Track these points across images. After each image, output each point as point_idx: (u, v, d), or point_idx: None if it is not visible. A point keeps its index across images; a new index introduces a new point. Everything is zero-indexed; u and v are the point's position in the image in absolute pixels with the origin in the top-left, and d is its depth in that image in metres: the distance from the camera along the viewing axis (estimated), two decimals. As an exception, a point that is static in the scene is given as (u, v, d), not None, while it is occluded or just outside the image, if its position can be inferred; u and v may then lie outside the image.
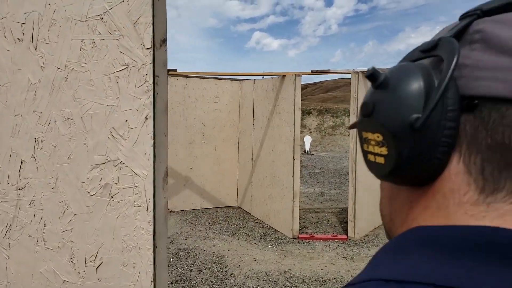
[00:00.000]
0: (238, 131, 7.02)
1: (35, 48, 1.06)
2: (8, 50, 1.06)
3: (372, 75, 0.35)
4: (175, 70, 5.94)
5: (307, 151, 16.83)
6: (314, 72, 6.00)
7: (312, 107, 24.31)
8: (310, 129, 21.71)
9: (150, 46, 1.03)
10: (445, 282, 0.27)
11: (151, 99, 1.04)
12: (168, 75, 6.17)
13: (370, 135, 0.36)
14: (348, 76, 5.68)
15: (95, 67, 1.05)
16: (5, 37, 1.06)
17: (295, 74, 6.03)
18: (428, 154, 0.32)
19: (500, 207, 0.30)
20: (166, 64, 1.13)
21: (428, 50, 0.35)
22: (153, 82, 1.04)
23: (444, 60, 0.32)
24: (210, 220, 6.37)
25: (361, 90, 5.61)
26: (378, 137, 0.35)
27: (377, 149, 0.36)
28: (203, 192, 6.97)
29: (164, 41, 1.12)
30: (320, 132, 21.57)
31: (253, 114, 6.52)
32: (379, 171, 0.37)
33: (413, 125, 0.32)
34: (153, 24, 1.03)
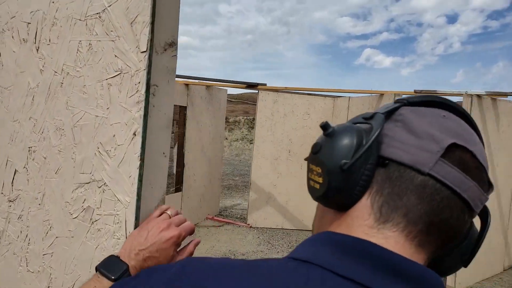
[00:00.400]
0: (327, 151, 6.64)
1: (37, 50, 0.97)
2: (14, 52, 1.00)
3: (324, 126, 0.49)
4: (265, 85, 5.88)
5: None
6: (417, 92, 5.34)
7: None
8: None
9: (145, 50, 0.86)
10: (326, 266, 0.42)
11: (142, 112, 0.86)
12: (257, 89, 6.13)
13: (314, 167, 0.50)
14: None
15: (90, 72, 0.92)
16: (12, 37, 1.00)
17: (394, 94, 5.47)
18: (349, 189, 0.46)
19: (386, 233, 0.45)
20: (172, 72, 0.95)
21: (367, 118, 0.50)
22: (147, 92, 0.86)
23: (373, 129, 0.47)
24: (290, 243, 6.08)
25: (475, 116, 4.80)
26: (319, 169, 0.48)
27: (316, 178, 0.49)
28: (285, 212, 6.72)
29: (171, 44, 0.94)
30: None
31: (345, 134, 6.09)
32: (314, 194, 0.50)
33: (342, 167, 0.45)
34: (152, 23, 0.86)
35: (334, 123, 0.49)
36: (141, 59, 0.87)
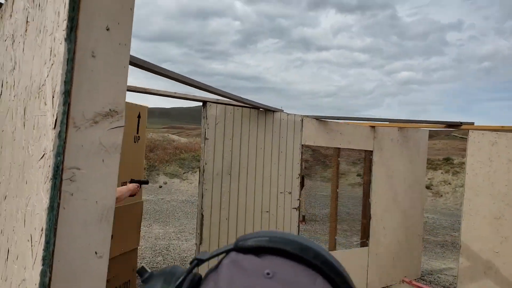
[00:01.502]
0: None
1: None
2: None
3: (139, 272, 0.39)
4: (472, 123, 4.63)
5: None
6: None
7: None
8: None
9: (53, 126, 0.67)
10: None
11: (47, 205, 0.67)
12: (462, 129, 4.89)
13: None
14: None
15: (36, 151, 0.80)
16: None
17: None
18: None
19: None
20: (113, 149, 0.73)
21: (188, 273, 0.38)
22: (54, 178, 0.67)
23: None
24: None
25: None
26: None
27: None
28: (513, 289, 4.98)
29: (110, 114, 0.72)
30: None
31: None
32: None
33: None
34: (65, 93, 0.67)
35: None
36: (52, 138, 0.69)
